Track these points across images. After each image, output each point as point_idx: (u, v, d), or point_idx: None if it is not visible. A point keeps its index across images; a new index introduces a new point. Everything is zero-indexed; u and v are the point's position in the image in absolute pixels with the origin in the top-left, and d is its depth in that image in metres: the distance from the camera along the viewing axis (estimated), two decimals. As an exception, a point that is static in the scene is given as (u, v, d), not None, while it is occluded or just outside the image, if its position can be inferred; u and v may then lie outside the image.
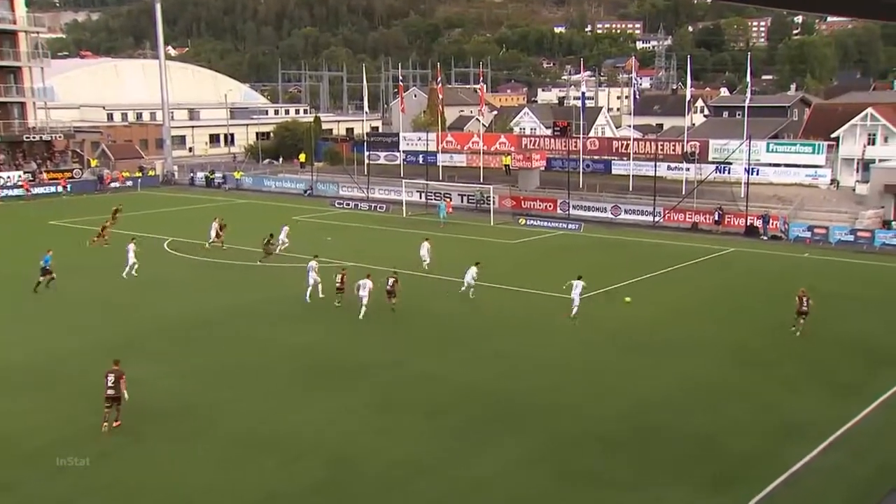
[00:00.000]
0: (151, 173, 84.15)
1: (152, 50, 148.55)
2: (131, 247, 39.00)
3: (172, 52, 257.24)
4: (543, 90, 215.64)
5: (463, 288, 34.65)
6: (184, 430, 21.05)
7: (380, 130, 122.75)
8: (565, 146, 68.41)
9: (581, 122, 73.99)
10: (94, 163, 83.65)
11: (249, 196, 72.09)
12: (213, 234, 45.81)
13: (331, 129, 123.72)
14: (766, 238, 51.28)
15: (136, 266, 38.35)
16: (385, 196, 67.52)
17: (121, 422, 21.06)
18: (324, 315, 32.12)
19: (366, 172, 71.54)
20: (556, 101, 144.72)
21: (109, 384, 21.07)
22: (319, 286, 33.81)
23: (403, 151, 77.87)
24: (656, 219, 55.99)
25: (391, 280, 32.49)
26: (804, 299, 30.37)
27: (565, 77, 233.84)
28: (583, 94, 72.95)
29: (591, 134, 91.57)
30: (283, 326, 30.50)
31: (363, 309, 30.96)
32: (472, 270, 34.79)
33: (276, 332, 29.69)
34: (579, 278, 32.23)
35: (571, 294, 31.63)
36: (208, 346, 28.02)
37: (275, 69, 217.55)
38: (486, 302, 34.38)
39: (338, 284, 32.92)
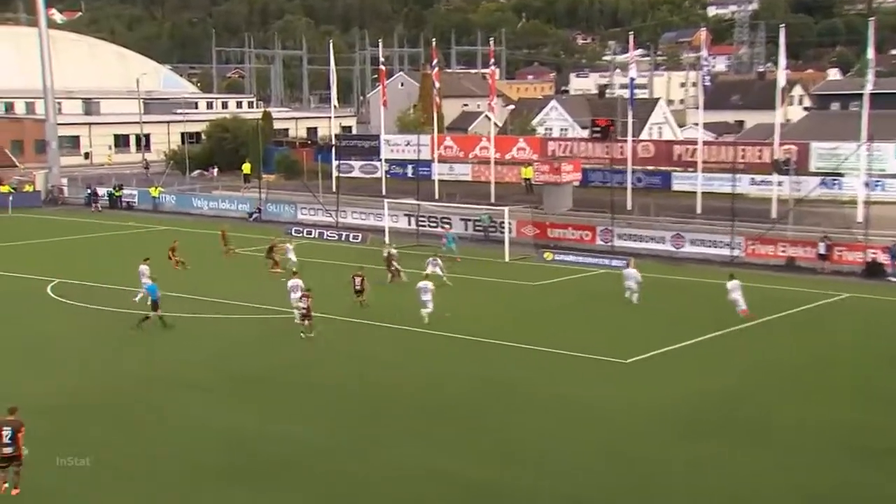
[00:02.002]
0: (29, 188, 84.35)
1: (28, 14, 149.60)
2: (144, 269, 42.88)
3: (59, 17, 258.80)
4: (578, 76, 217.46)
5: (627, 294, 43.22)
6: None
7: (353, 131, 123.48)
8: (608, 153, 68.77)
9: (630, 120, 74.04)
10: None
11: (171, 221, 72.46)
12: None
13: (286, 130, 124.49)
14: (895, 280, 51.31)
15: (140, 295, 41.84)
16: (361, 222, 68.30)
17: (20, 489, 22.13)
18: (258, 379, 32.79)
19: (334, 189, 71.96)
20: (595, 91, 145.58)
21: (5, 440, 22.16)
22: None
23: (386, 160, 78.23)
24: (735, 252, 56.00)
25: (358, 279, 42.17)
26: None
27: (608, 57, 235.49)
28: (632, 80, 72.29)
29: (644, 136, 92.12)
30: (203, 399, 30.99)
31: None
32: (634, 272, 43.45)
33: (194, 408, 30.10)
34: (732, 277, 41.61)
35: (732, 297, 40.56)
36: (108, 429, 28.21)
37: (207, 46, 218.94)
38: (488, 364, 34.73)
39: (303, 310, 37.92)
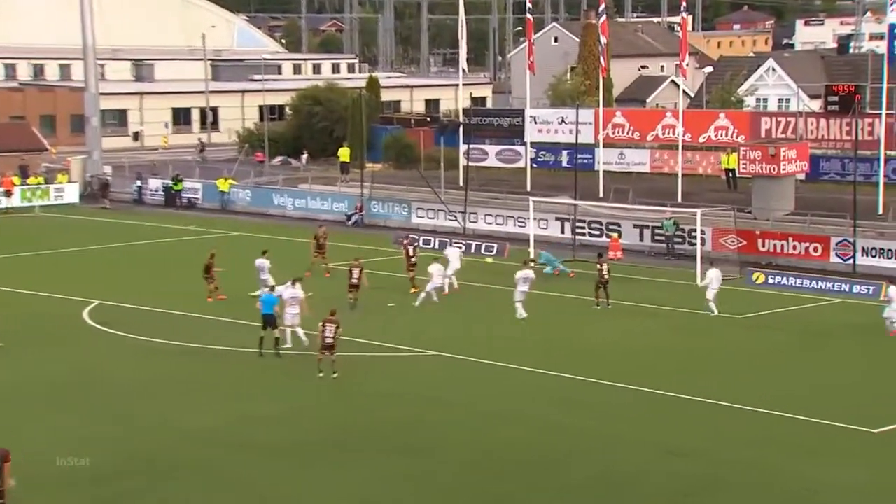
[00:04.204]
0: (62, 179, 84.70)
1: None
2: (263, 263, 47.86)
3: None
4: (808, 23, 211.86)
5: (889, 323, 44.01)
6: None
7: (489, 105, 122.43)
8: (849, 133, 67.51)
9: (884, 86, 71.65)
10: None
11: (245, 224, 73.93)
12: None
13: (397, 102, 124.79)
14: None
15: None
16: (497, 228, 68.55)
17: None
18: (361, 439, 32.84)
19: (462, 183, 72.19)
20: (833, 45, 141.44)
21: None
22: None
23: (533, 144, 79.30)
24: None
25: (356, 271, 47.70)
26: None
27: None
28: (891, 28, 69.37)
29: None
30: (315, 466, 30.78)
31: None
32: None
33: (306, 476, 29.90)
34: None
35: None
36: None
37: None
38: (677, 430, 34.11)
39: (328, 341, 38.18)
